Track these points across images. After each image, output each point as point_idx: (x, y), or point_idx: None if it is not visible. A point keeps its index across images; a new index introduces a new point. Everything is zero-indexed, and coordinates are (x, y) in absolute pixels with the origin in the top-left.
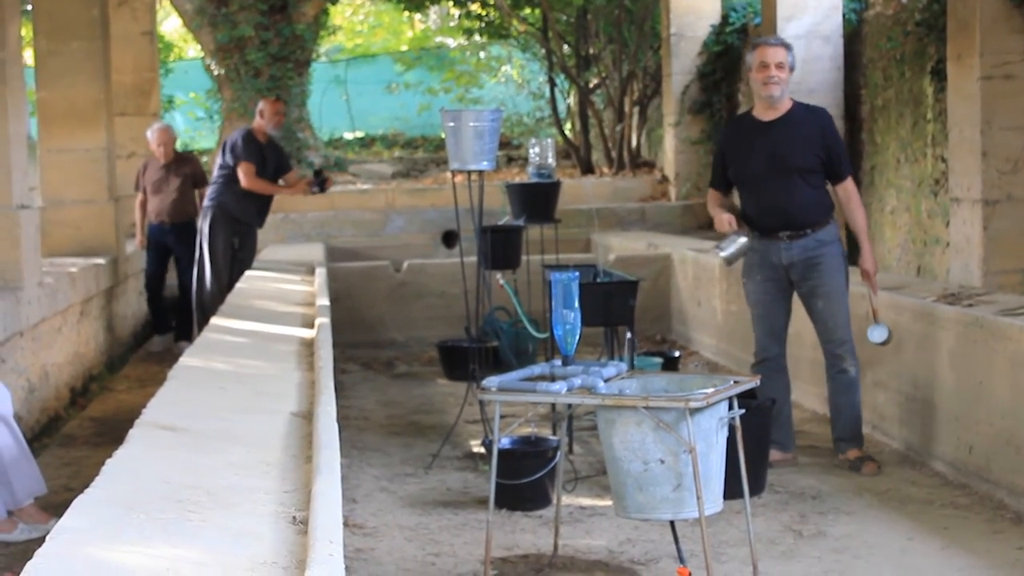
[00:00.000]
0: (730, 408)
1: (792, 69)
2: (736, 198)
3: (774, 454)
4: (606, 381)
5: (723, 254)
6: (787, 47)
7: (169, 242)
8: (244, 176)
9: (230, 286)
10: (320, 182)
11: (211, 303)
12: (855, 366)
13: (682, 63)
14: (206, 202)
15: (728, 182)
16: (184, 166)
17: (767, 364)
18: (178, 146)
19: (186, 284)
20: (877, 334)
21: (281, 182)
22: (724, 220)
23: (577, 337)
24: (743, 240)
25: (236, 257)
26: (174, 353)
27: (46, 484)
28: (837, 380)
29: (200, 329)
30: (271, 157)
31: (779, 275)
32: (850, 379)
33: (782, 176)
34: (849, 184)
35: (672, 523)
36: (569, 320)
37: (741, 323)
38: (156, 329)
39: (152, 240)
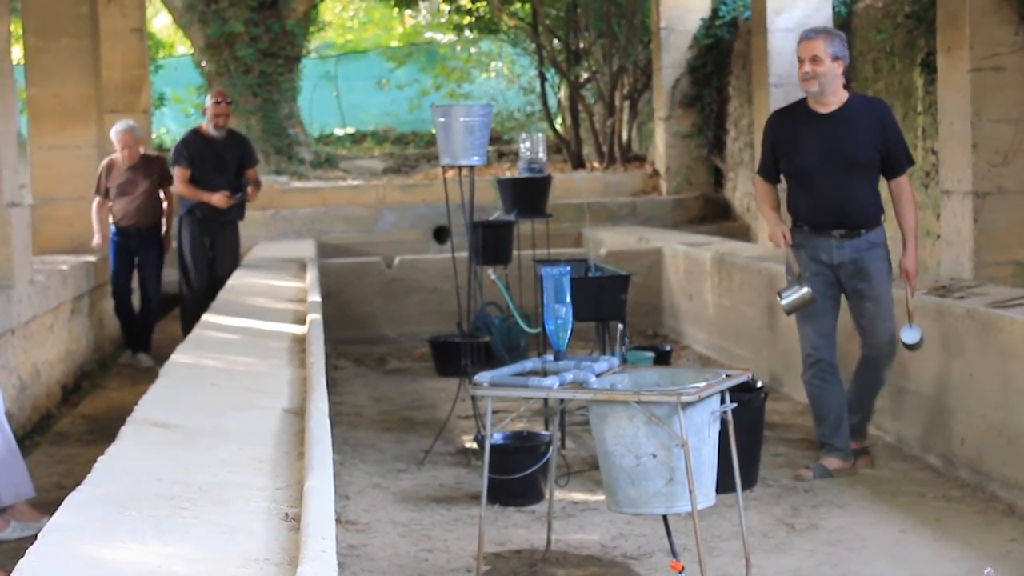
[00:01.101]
0: (722, 402)
1: (837, 58)
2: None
3: (832, 461)
4: (598, 376)
5: (784, 303)
6: (826, 37)
7: (134, 247)
8: (174, 180)
9: (212, 286)
10: (242, 191)
11: (188, 306)
12: (891, 369)
13: (672, 57)
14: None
15: (778, 172)
16: (151, 167)
17: (819, 366)
18: (168, 142)
19: (148, 292)
20: (909, 335)
21: (245, 179)
22: (778, 234)
23: (569, 332)
24: (806, 291)
25: (211, 257)
26: (136, 367)
27: (38, 482)
28: (865, 380)
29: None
30: (222, 154)
31: (828, 273)
32: (882, 379)
33: (839, 172)
34: (904, 179)
35: (665, 517)
36: (561, 315)
37: (733, 317)
38: (129, 342)
39: (118, 245)
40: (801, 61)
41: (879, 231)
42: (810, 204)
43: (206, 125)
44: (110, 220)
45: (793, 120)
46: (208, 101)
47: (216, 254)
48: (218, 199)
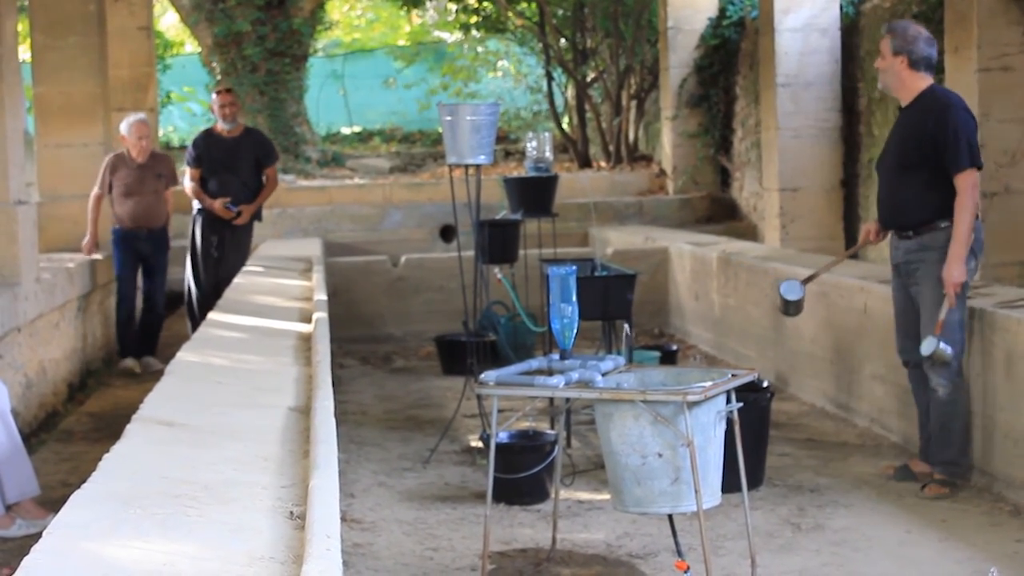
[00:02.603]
0: (728, 402)
1: (898, 54)
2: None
3: (919, 464)
4: (604, 375)
5: (781, 300)
6: (890, 33)
7: (143, 250)
8: (184, 181)
9: (218, 286)
10: (247, 195)
11: (195, 304)
12: (945, 386)
13: (679, 56)
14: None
15: None
16: (160, 166)
17: (910, 368)
18: (176, 141)
19: (157, 297)
20: (926, 346)
21: (264, 178)
22: (864, 229)
23: (575, 331)
24: (790, 298)
25: (218, 256)
26: (140, 372)
27: (44, 479)
28: (930, 396)
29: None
30: (235, 152)
31: (898, 274)
32: (938, 399)
33: (886, 171)
34: (960, 180)
35: (670, 517)
36: (567, 314)
37: (739, 317)
38: (123, 348)
39: (124, 247)
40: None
41: (935, 235)
42: (877, 203)
43: (219, 124)
44: (114, 222)
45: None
46: (214, 97)
47: (224, 254)
48: (218, 206)
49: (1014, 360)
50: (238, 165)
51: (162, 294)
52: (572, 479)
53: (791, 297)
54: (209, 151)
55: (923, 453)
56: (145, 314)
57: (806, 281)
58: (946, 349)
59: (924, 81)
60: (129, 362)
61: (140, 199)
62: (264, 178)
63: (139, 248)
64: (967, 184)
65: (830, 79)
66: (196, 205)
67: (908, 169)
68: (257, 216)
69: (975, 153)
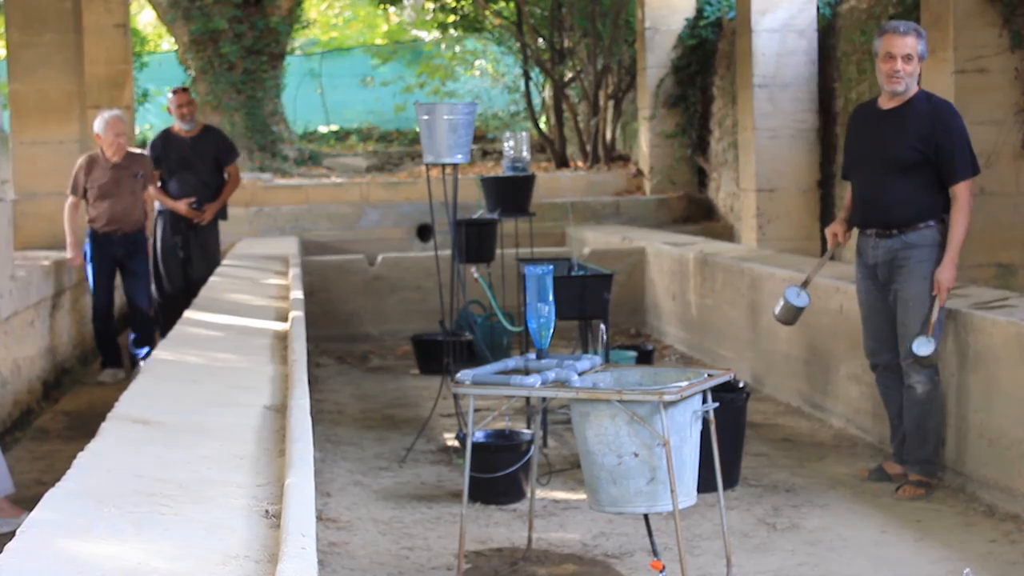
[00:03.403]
0: (704, 402)
1: (923, 58)
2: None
3: (894, 467)
4: (580, 374)
5: (775, 311)
6: (919, 34)
7: (119, 255)
8: None
9: (187, 289)
10: (207, 194)
11: (160, 310)
12: (924, 384)
13: (657, 57)
14: None
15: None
16: (136, 165)
17: (878, 371)
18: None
19: (140, 303)
20: (920, 346)
21: (226, 175)
22: (828, 232)
23: (551, 330)
24: (792, 305)
25: (183, 257)
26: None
27: (18, 477)
28: (905, 394)
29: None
30: (193, 151)
31: (872, 274)
32: (916, 396)
33: (878, 169)
34: (961, 188)
35: (646, 516)
36: (543, 313)
37: (715, 317)
38: (106, 359)
39: (99, 252)
40: (892, 58)
41: (921, 234)
42: (855, 201)
43: (177, 124)
44: (87, 225)
45: (861, 117)
46: (170, 97)
47: (189, 255)
48: (182, 207)
49: (989, 361)
50: (197, 165)
51: (147, 300)
52: (548, 478)
53: (800, 304)
54: (168, 152)
55: (897, 455)
56: (131, 315)
57: (804, 285)
58: (937, 350)
59: (917, 83)
60: (107, 375)
61: (116, 200)
62: (226, 175)
63: (114, 252)
64: (967, 192)
65: (807, 80)
66: (158, 207)
67: (906, 169)
68: (222, 215)
69: (975, 162)
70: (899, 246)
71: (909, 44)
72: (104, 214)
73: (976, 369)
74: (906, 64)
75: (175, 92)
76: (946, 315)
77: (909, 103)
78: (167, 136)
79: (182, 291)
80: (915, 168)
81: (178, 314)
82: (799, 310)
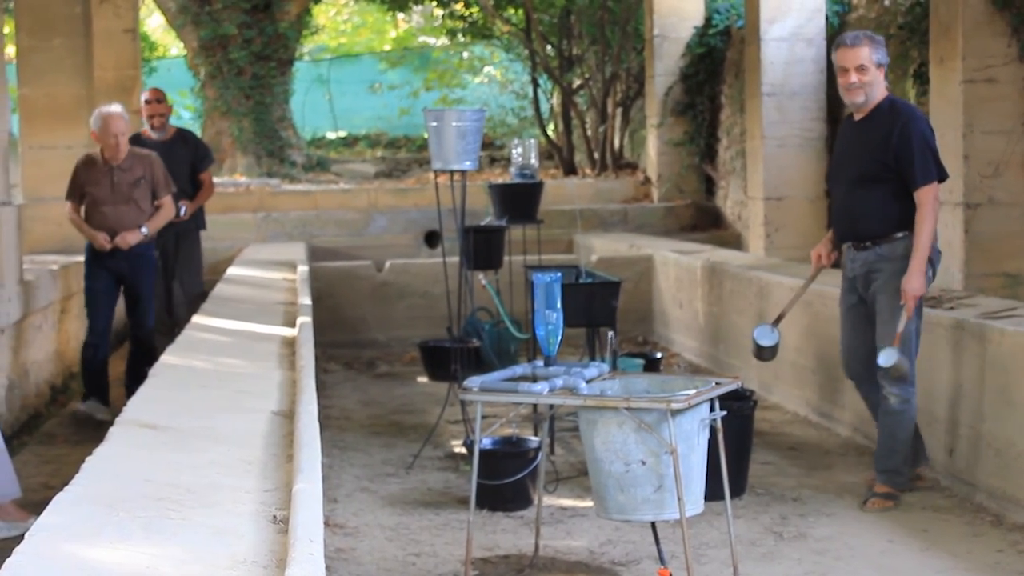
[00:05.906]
0: (711, 410)
1: (881, 65)
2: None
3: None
4: (588, 382)
5: (755, 346)
6: (870, 43)
7: (121, 270)
8: None
9: (169, 302)
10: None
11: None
12: (898, 396)
13: (665, 64)
14: None
15: None
16: (140, 169)
17: (856, 384)
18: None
19: (147, 326)
20: (884, 357)
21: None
22: (813, 254)
23: (559, 338)
24: (756, 345)
25: (164, 266)
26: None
27: (26, 481)
28: (880, 404)
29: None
30: (166, 158)
31: (852, 287)
32: (889, 408)
33: (846, 183)
34: (923, 194)
35: (653, 524)
36: (551, 321)
37: (722, 325)
38: (90, 389)
39: (97, 268)
40: (846, 71)
41: (894, 245)
42: (830, 216)
43: (145, 128)
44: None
45: (842, 130)
46: (142, 101)
47: (168, 264)
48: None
49: (997, 371)
50: (172, 171)
51: (147, 325)
52: (555, 486)
53: (765, 343)
54: None
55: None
56: (133, 346)
57: (776, 322)
58: (904, 361)
59: (883, 91)
60: (86, 406)
61: (114, 209)
62: (201, 182)
63: (115, 268)
64: (929, 197)
65: (815, 89)
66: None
67: (870, 182)
68: (201, 225)
69: (939, 165)
70: (873, 258)
71: (862, 55)
72: (100, 225)
73: (984, 379)
74: (861, 75)
75: (148, 100)
76: (922, 325)
77: (873, 113)
78: (137, 141)
79: (164, 307)
80: (879, 179)
81: (166, 333)
82: (763, 348)
